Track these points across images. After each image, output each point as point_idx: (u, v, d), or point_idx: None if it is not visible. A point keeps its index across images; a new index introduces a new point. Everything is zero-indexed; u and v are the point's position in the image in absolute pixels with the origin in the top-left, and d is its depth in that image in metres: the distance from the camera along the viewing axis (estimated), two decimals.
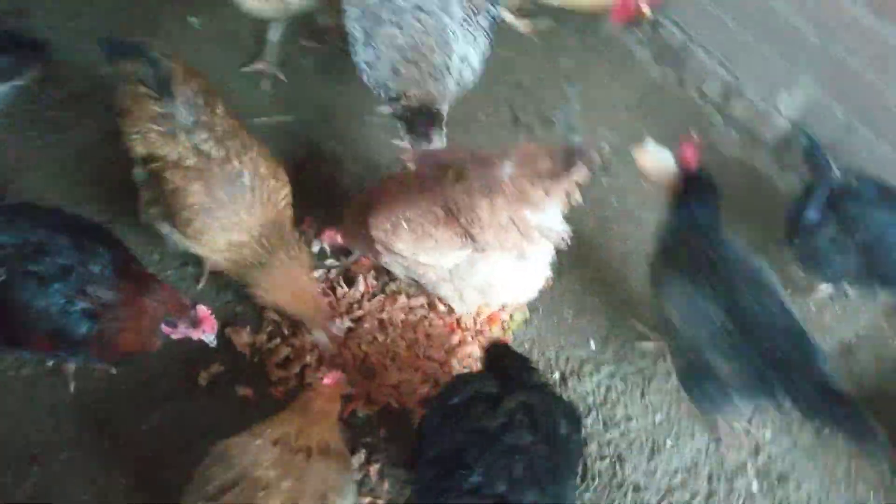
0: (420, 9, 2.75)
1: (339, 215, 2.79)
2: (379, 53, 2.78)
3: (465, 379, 2.22)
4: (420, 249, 2.44)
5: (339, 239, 2.79)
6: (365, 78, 2.86)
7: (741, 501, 2.61)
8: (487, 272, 2.48)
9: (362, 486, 2.45)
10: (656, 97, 3.67)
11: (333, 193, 3.08)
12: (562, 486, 1.98)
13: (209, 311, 2.32)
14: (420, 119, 2.75)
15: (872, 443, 2.14)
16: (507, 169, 2.29)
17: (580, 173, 2.25)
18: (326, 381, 2.24)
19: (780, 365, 2.18)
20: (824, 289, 3.03)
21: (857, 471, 2.68)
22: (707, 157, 3.34)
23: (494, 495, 1.86)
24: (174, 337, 2.32)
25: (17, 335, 2.21)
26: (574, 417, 2.14)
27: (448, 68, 2.79)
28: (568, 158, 2.23)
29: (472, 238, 2.37)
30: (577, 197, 2.34)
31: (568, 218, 2.46)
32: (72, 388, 2.53)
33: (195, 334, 2.32)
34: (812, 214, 2.81)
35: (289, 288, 2.51)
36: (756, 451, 2.70)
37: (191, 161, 2.44)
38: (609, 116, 3.53)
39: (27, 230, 2.20)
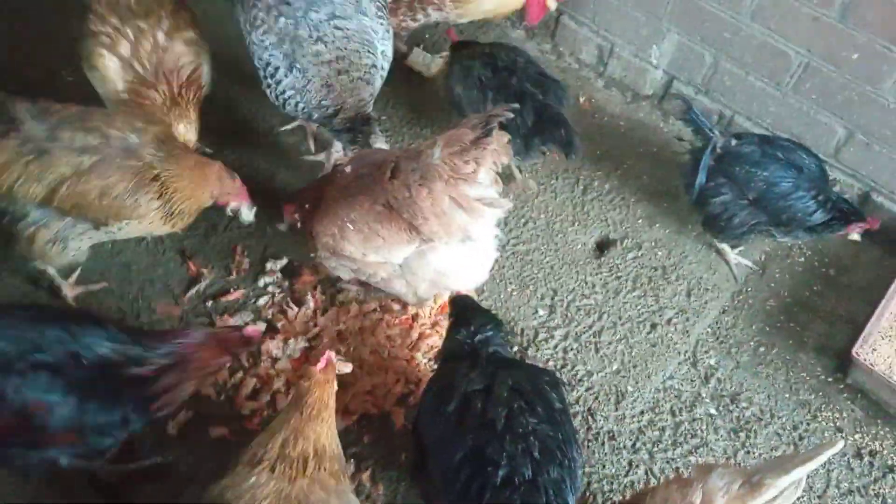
0: (337, 16, 2.70)
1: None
2: (307, 75, 2.72)
3: (447, 383, 2.22)
4: (369, 249, 2.46)
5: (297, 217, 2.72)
6: (292, 106, 2.79)
7: (704, 426, 2.81)
8: (437, 261, 2.51)
9: (358, 494, 2.46)
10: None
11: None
12: (573, 452, 2.08)
13: (256, 327, 2.50)
14: (358, 127, 2.76)
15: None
16: (436, 153, 2.32)
17: (499, 135, 2.30)
18: (320, 365, 2.18)
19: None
20: (730, 251, 3.22)
21: (797, 379, 2.94)
22: (595, 117, 3.65)
23: (524, 481, 1.94)
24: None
25: (40, 438, 2.07)
26: (557, 385, 2.23)
27: (376, 67, 2.81)
28: (485, 124, 2.27)
29: (418, 230, 2.39)
30: (504, 159, 2.39)
31: None
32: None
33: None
34: (701, 180, 3.02)
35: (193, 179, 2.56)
36: (706, 378, 2.91)
37: None
38: None
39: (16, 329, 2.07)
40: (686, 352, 2.97)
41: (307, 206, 2.60)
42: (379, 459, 2.56)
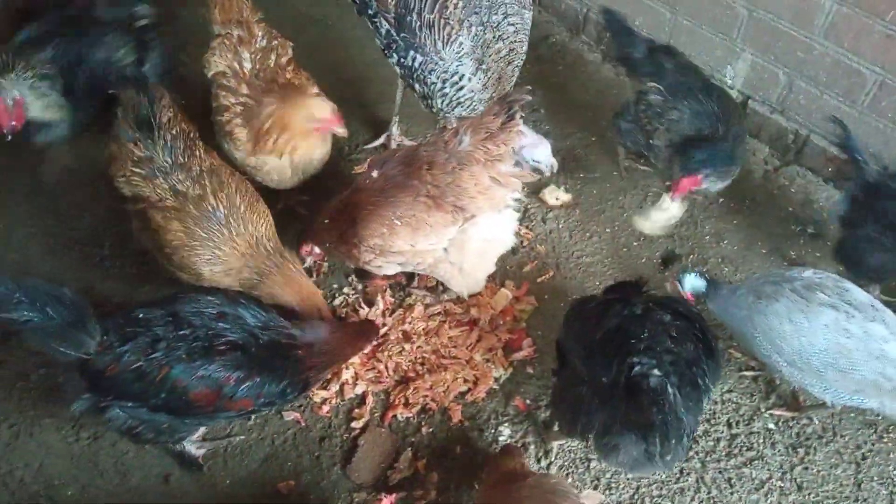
0: (509, 14, 3.10)
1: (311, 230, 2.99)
2: (489, 73, 3.08)
3: (589, 296, 2.54)
4: (418, 238, 2.69)
5: (317, 251, 3.00)
6: (463, 108, 3.11)
7: (762, 440, 2.81)
8: (479, 233, 2.75)
9: (413, 482, 2.65)
10: (613, 92, 3.94)
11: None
12: (709, 337, 2.26)
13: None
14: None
15: None
16: (465, 140, 2.62)
17: (520, 115, 2.58)
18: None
19: None
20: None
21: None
22: None
23: (664, 349, 2.13)
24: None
25: (224, 405, 2.40)
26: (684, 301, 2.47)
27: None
28: (507, 107, 2.57)
29: (464, 209, 2.66)
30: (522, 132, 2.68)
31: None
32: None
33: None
34: (842, 209, 2.89)
35: (293, 295, 2.72)
36: (767, 394, 2.91)
37: (169, 201, 2.67)
38: (574, 116, 3.82)
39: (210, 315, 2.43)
40: (748, 366, 2.97)
41: (334, 229, 2.83)
42: (435, 450, 2.73)
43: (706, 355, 2.23)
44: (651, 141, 3.19)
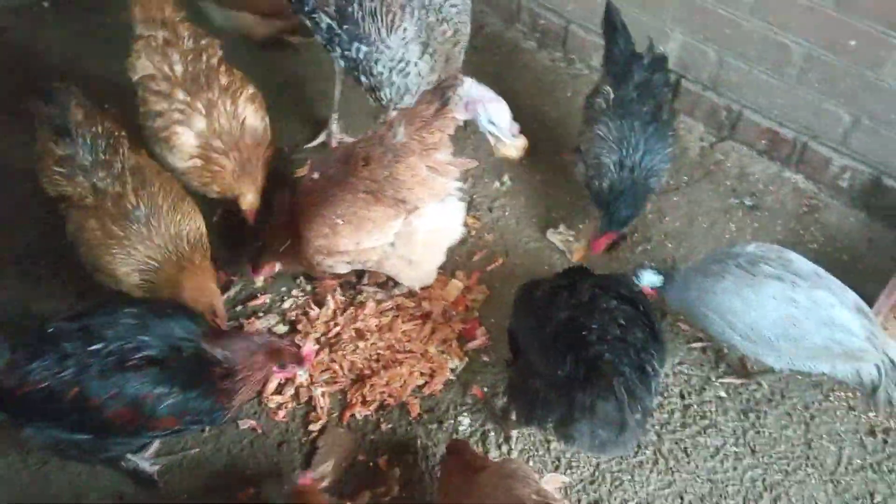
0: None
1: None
2: (435, 56, 3.05)
3: (535, 281, 2.52)
4: (362, 236, 2.67)
5: (278, 268, 2.98)
6: (412, 95, 3.06)
7: (714, 408, 2.88)
8: (425, 224, 2.74)
9: (375, 477, 2.64)
10: (550, 78, 3.98)
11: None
12: (653, 319, 2.31)
13: (314, 347, 2.69)
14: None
15: None
16: (399, 132, 2.61)
17: (454, 101, 2.61)
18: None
19: None
20: None
21: None
22: None
23: (615, 337, 2.17)
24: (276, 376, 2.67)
25: (147, 424, 2.28)
26: (628, 278, 2.50)
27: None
28: (440, 94, 2.59)
29: (405, 201, 2.65)
30: (460, 116, 2.75)
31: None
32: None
33: (295, 371, 2.61)
34: None
35: (193, 295, 2.62)
36: (716, 363, 2.98)
37: (89, 199, 2.62)
38: (512, 103, 3.81)
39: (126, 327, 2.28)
40: (696, 337, 3.04)
41: (286, 237, 2.80)
42: (395, 445, 2.72)
43: (653, 339, 2.27)
44: (579, 136, 3.22)
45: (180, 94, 2.87)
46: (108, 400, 2.19)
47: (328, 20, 3.00)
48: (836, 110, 3.34)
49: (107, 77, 3.37)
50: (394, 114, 2.84)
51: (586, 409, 2.13)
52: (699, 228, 3.40)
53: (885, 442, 2.79)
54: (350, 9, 2.94)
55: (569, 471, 2.69)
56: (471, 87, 3.07)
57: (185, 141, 2.86)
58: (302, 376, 2.77)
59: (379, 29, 2.95)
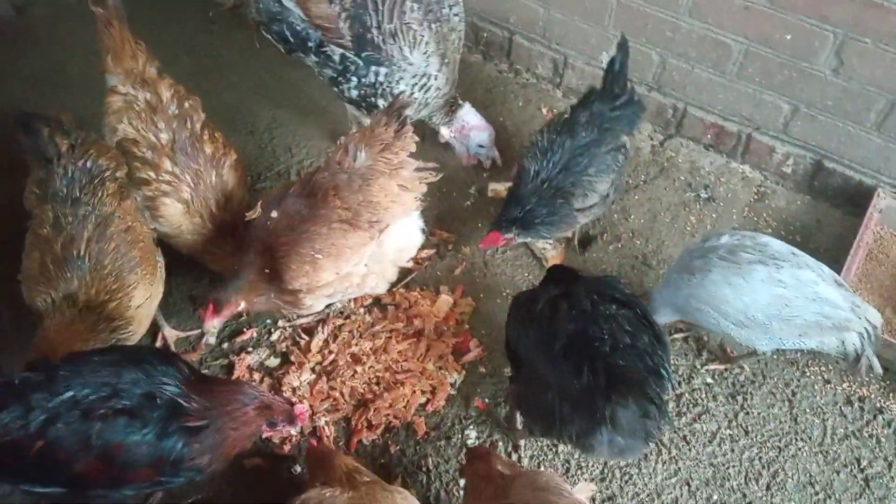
0: (452, 4, 3.16)
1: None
2: (450, 65, 3.13)
3: (528, 294, 2.52)
4: (341, 264, 2.66)
5: (242, 307, 2.74)
6: (432, 104, 3.16)
7: (704, 395, 2.99)
8: (393, 240, 2.79)
9: None
10: (500, 90, 4.05)
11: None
12: (654, 322, 2.33)
13: (304, 408, 2.53)
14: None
15: None
16: (361, 157, 2.64)
17: (406, 119, 2.68)
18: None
19: None
20: None
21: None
22: None
23: (626, 346, 2.18)
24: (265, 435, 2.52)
25: (122, 475, 2.15)
26: (618, 281, 2.48)
27: None
28: (396, 115, 2.65)
29: (379, 221, 2.67)
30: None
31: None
32: None
33: (288, 430, 2.50)
34: None
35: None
36: (699, 351, 3.10)
37: (46, 231, 2.53)
38: None
39: (96, 375, 2.15)
40: (676, 328, 3.15)
41: (264, 281, 2.68)
42: (407, 465, 2.70)
43: (658, 341, 2.29)
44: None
45: (167, 165, 2.76)
46: (78, 452, 2.08)
47: (340, 51, 3.00)
48: (776, 101, 3.53)
49: None
50: (344, 140, 2.80)
51: (609, 419, 2.15)
52: (662, 223, 3.52)
53: (862, 409, 2.96)
54: (369, 35, 2.95)
55: (579, 471, 2.74)
56: (467, 112, 3.16)
57: (173, 213, 2.78)
58: (296, 433, 2.70)
59: (401, 48, 2.98)
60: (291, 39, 3.05)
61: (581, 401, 2.20)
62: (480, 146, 3.41)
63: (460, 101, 3.16)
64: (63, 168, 2.57)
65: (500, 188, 3.51)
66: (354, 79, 3.04)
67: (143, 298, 2.60)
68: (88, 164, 2.60)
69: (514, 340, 2.53)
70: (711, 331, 2.82)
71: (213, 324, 2.66)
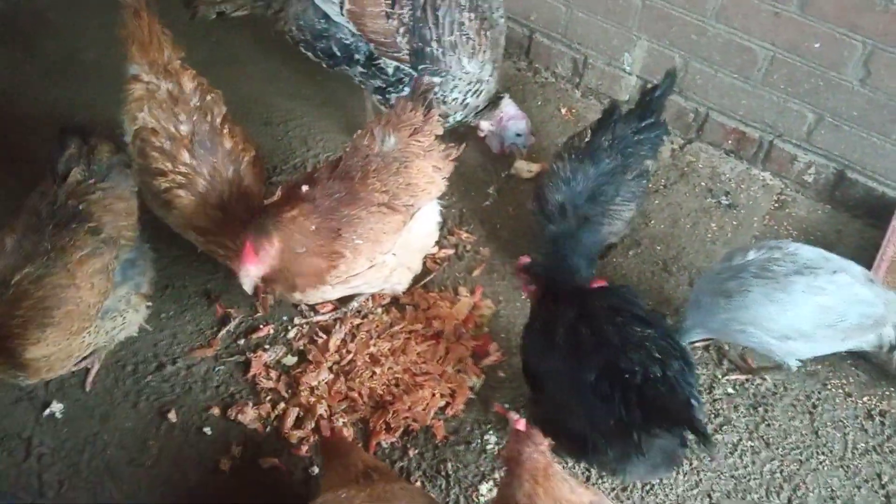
0: (497, 7, 3.18)
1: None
2: (496, 66, 3.15)
3: (546, 320, 2.41)
4: (376, 250, 2.63)
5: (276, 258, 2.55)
6: (479, 104, 3.19)
7: (725, 405, 2.95)
8: (419, 226, 2.80)
9: None
10: (519, 88, 3.99)
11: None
12: (679, 343, 2.28)
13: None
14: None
15: None
16: (390, 141, 2.64)
17: (433, 102, 2.70)
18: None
19: None
20: None
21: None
22: (578, 126, 3.81)
23: (658, 377, 2.12)
24: None
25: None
26: (635, 295, 2.43)
27: None
28: (422, 100, 2.67)
29: (414, 205, 2.67)
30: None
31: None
32: None
33: None
34: None
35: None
36: (720, 361, 3.06)
37: (8, 239, 2.43)
38: None
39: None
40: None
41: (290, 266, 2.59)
42: (426, 470, 2.65)
43: (686, 365, 2.24)
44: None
45: (185, 157, 2.69)
46: None
47: (395, 64, 2.98)
48: (801, 109, 3.49)
49: None
50: (369, 124, 2.75)
51: (646, 450, 2.11)
52: (683, 229, 3.48)
53: (883, 424, 2.92)
54: (428, 49, 2.93)
55: (600, 481, 2.69)
56: (507, 104, 3.14)
57: (187, 205, 2.70)
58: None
59: (460, 59, 2.96)
60: (339, 54, 3.02)
61: (614, 433, 2.15)
62: (518, 135, 3.40)
63: (500, 94, 3.14)
64: (55, 195, 2.47)
65: (523, 167, 3.53)
66: (407, 89, 2.99)
67: (38, 354, 2.42)
68: (80, 206, 2.48)
69: (532, 368, 2.47)
70: (756, 349, 2.77)
71: (251, 270, 2.45)
